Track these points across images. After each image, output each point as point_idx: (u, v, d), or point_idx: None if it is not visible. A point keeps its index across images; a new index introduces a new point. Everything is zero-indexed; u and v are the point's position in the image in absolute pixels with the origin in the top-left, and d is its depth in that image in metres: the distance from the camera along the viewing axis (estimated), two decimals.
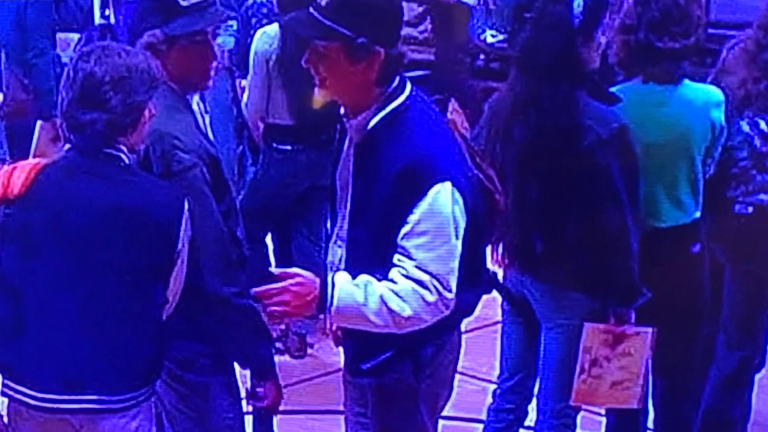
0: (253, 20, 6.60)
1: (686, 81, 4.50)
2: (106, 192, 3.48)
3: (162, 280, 3.53)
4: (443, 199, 3.43)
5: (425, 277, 3.43)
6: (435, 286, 3.44)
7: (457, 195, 3.45)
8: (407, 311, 3.44)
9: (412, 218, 3.43)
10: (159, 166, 3.68)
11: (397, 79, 3.56)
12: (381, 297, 3.44)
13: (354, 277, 3.49)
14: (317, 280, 3.47)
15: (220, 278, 3.71)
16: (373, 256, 3.52)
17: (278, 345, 6.41)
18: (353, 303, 3.45)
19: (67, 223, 3.47)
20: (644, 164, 4.39)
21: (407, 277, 3.44)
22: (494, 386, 4.81)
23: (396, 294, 3.44)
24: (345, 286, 3.46)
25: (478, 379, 5.73)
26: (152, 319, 3.53)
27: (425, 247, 3.43)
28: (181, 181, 3.66)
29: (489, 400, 4.80)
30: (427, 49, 11.43)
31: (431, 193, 3.41)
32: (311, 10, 3.52)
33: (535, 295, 4.48)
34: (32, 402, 3.50)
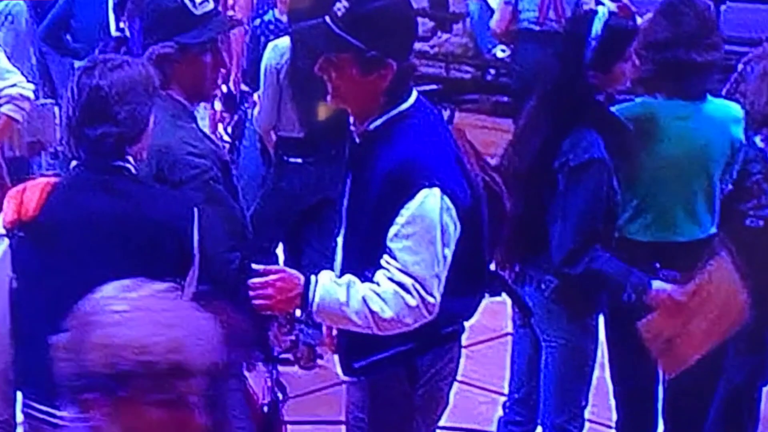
0: (262, 38, 6.65)
1: (708, 96, 4.51)
2: (121, 206, 3.48)
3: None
4: (430, 204, 3.45)
5: (408, 281, 3.46)
6: (417, 290, 3.46)
7: (448, 202, 3.47)
8: (388, 313, 3.47)
9: (399, 220, 3.46)
10: (173, 175, 3.70)
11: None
12: (363, 297, 3.47)
13: (347, 274, 3.54)
14: (301, 278, 3.52)
15: (242, 275, 3.72)
16: (364, 256, 3.57)
17: (288, 356, 6.43)
18: (335, 302, 3.49)
19: (84, 239, 3.47)
20: (663, 178, 4.40)
21: (390, 279, 3.47)
22: (504, 398, 4.82)
23: (378, 295, 3.47)
24: (327, 285, 3.51)
25: (489, 391, 5.73)
26: None
27: (410, 250, 3.46)
28: (197, 184, 3.68)
29: (499, 412, 4.82)
30: (438, 63, 11.47)
31: (419, 196, 3.44)
32: (327, 19, 3.55)
33: (533, 307, 4.49)
34: (57, 421, 3.41)
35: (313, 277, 3.51)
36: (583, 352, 4.48)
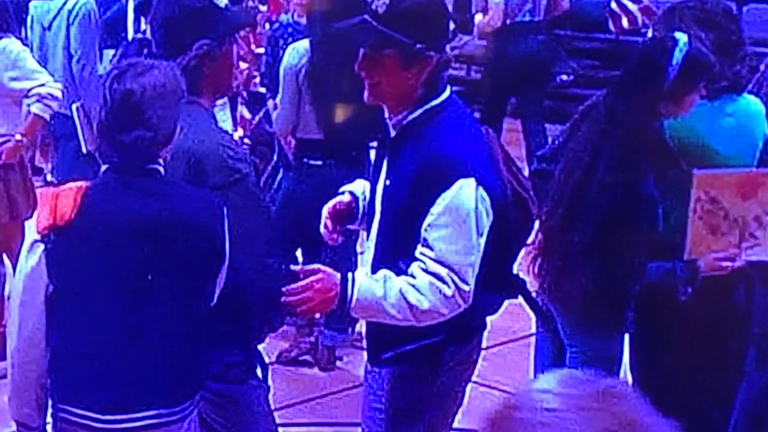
0: (281, 41, 6.65)
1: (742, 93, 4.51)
2: (155, 207, 3.49)
3: (210, 285, 3.56)
4: (466, 194, 3.49)
5: (443, 271, 3.50)
6: (453, 279, 3.51)
7: (483, 193, 3.51)
8: (425, 304, 3.52)
9: (435, 210, 3.50)
10: (215, 178, 3.69)
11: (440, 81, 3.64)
12: (400, 290, 3.52)
13: (381, 266, 3.57)
14: (338, 276, 3.56)
15: (275, 282, 3.73)
16: (398, 246, 3.61)
17: (307, 358, 6.44)
18: (373, 297, 3.53)
19: (119, 242, 3.48)
20: None
21: (426, 271, 3.51)
22: None
23: (414, 288, 3.52)
24: (365, 281, 3.55)
25: (509, 393, 5.71)
26: (201, 326, 3.55)
27: (445, 239, 3.50)
28: (238, 189, 3.68)
29: None
30: (460, 65, 11.48)
31: (455, 187, 3.48)
32: (367, 17, 3.57)
33: (557, 312, 4.49)
34: (94, 424, 3.49)
35: (349, 275, 3.56)
36: (607, 360, 4.47)
